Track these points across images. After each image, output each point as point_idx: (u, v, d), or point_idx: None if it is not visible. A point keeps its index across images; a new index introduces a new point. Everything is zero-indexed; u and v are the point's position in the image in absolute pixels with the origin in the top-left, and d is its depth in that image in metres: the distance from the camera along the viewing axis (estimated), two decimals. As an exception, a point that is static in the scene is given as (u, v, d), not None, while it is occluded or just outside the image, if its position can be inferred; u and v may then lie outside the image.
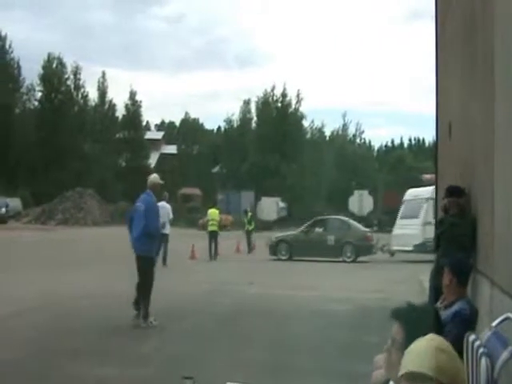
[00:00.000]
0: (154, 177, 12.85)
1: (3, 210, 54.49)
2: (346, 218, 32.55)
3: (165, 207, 22.49)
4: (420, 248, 27.31)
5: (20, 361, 8.83)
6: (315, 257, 28.07)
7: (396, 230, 30.74)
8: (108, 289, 16.61)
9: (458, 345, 3.70)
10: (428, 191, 27.26)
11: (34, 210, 61.24)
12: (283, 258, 28.92)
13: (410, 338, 2.97)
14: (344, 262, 27.96)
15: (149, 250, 11.94)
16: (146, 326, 11.50)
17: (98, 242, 36.49)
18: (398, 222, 31.13)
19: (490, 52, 6.76)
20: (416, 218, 28.98)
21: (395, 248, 30.05)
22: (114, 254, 27.75)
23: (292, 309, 14.35)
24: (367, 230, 31.28)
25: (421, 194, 29.55)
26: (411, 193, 31.47)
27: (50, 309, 13.60)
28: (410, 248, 28.15)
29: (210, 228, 28.11)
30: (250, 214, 35.14)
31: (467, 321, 5.19)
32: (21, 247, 31.33)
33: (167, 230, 22.73)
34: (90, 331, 11.17)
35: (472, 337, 3.94)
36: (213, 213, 28.94)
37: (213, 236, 28.02)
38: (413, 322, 3.01)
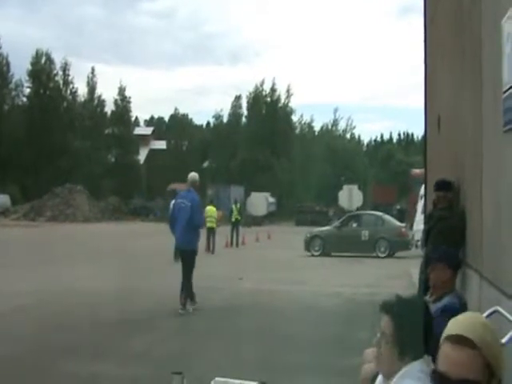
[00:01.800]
0: (194, 175, 13.71)
1: (-8, 206, 54.39)
2: (380, 213, 31.93)
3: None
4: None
5: (15, 357, 8.83)
6: (349, 252, 28.09)
7: (419, 225, 30.72)
8: (100, 285, 16.57)
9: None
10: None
11: (22, 206, 61.05)
12: (316, 253, 28.68)
13: (399, 331, 2.99)
14: (378, 257, 27.83)
15: (194, 243, 13.12)
16: (186, 311, 12.71)
17: (88, 239, 36.39)
18: (419, 217, 31.14)
19: (478, 46, 6.79)
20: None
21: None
22: (104, 251, 27.81)
23: (284, 304, 14.37)
24: (402, 225, 30.60)
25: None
26: None
27: (42, 305, 13.57)
28: None
29: (208, 225, 27.99)
30: (238, 204, 35.34)
31: (457, 314, 5.19)
32: (9, 244, 31.18)
33: None
34: (82, 328, 11.17)
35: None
36: (210, 210, 29.20)
37: (210, 232, 28.50)
38: (402, 315, 3.01)
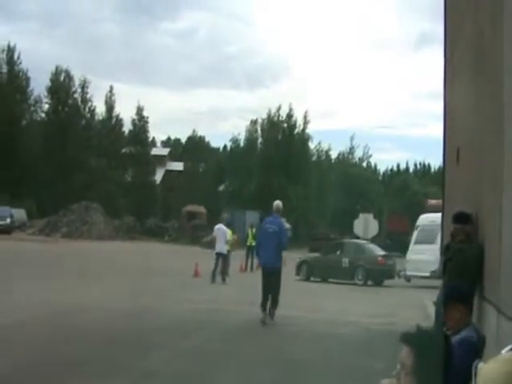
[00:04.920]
0: (278, 203, 15.73)
1: (8, 220, 54.48)
2: (363, 242, 32.88)
3: (222, 229, 26.44)
4: (435, 274, 27.22)
5: (27, 369, 8.81)
6: (331, 278, 28.85)
7: (411, 256, 30.61)
8: (110, 301, 16.59)
9: (466, 372, 3.68)
10: (421, 220, 29.34)
11: (38, 221, 61.26)
12: (303, 278, 29.69)
13: (419, 362, 2.95)
14: (356, 284, 28.31)
15: (280, 264, 15.01)
16: (272, 323, 14.52)
17: (102, 256, 36.45)
18: (413, 247, 31.04)
19: (500, 76, 6.77)
20: (432, 243, 28.83)
21: (410, 273, 30.12)
22: (118, 268, 27.88)
23: (299, 330, 14.32)
24: (381, 254, 30.69)
25: (436, 220, 29.56)
26: (426, 218, 31.28)
27: (52, 319, 13.58)
28: (427, 274, 27.97)
29: None
30: (254, 229, 35.30)
31: (475, 348, 5.14)
32: (25, 257, 31.29)
33: (225, 250, 25.92)
34: (93, 343, 11.15)
35: (481, 364, 3.91)
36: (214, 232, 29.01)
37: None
38: (422, 345, 2.98)
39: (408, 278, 30.23)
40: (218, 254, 25.70)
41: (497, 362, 2.36)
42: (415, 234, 31.42)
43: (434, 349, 2.97)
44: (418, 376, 2.96)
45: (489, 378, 2.29)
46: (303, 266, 30.34)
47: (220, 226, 26.87)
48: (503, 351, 4.11)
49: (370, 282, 28.69)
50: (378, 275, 28.66)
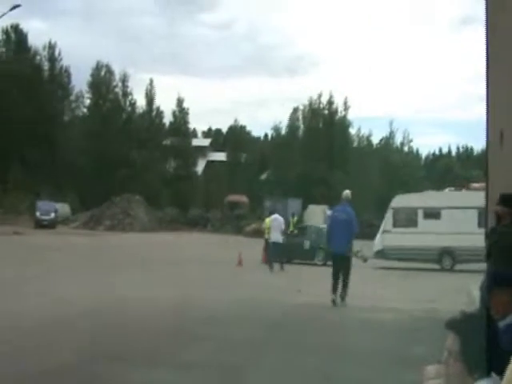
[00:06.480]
0: (347, 192, 16.35)
1: (52, 214, 55.19)
2: (323, 226, 33.14)
3: (278, 219, 27.52)
4: (380, 255, 30.08)
5: (70, 364, 8.89)
6: (294, 259, 30.56)
7: (389, 241, 30.95)
8: (155, 291, 16.71)
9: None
10: (396, 202, 30.66)
11: (82, 215, 61.98)
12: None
13: (467, 349, 2.93)
14: (316, 264, 30.28)
15: (350, 250, 16.17)
16: (343, 305, 15.46)
17: (145, 248, 36.76)
18: (391, 230, 31.44)
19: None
20: (414, 226, 30.40)
21: (389, 256, 31.09)
22: (162, 260, 28.12)
23: (340, 317, 14.31)
24: None
25: (413, 202, 31.26)
26: (402, 199, 32.66)
27: (103, 312, 13.64)
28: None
29: (267, 236, 28.64)
30: (296, 217, 35.86)
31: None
32: (70, 251, 31.69)
33: (280, 239, 27.00)
34: (136, 335, 11.23)
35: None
36: (270, 222, 29.11)
37: (268, 244, 28.66)
38: (469, 331, 2.96)
39: (365, 259, 31.00)
40: (275, 244, 26.67)
41: None
42: (389, 216, 31.26)
43: (481, 334, 2.94)
44: (467, 362, 2.93)
45: None
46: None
47: (276, 216, 27.82)
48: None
49: (320, 263, 30.40)
50: None
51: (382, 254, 29.57)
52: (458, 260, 28.80)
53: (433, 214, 28.32)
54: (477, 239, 26.94)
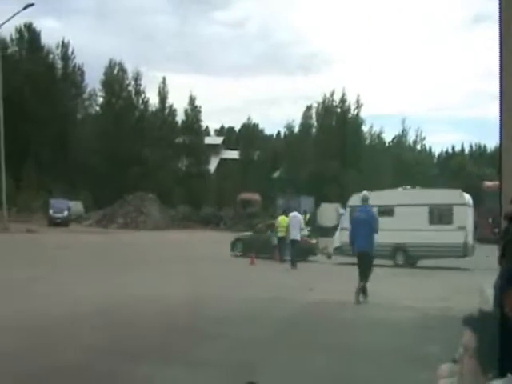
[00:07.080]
0: (366, 194, 17.19)
1: (65, 213, 55.39)
2: None
3: (297, 217, 27.77)
4: (338, 251, 29.83)
5: (86, 361, 8.93)
6: (262, 254, 30.16)
7: (340, 237, 31.01)
8: (170, 289, 16.75)
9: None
10: (353, 200, 29.37)
11: (95, 213, 62.20)
12: (238, 254, 31.84)
13: (483, 346, 2.92)
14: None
15: (372, 249, 16.41)
16: (365, 301, 15.98)
17: (158, 246, 36.86)
18: (343, 224, 31.54)
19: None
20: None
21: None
22: (176, 256, 28.22)
23: (353, 316, 14.29)
24: (306, 234, 31.97)
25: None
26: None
27: (115, 310, 13.73)
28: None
29: (279, 234, 28.84)
30: (308, 215, 35.79)
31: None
32: (82, 249, 31.83)
33: (299, 236, 27.13)
34: (151, 333, 11.27)
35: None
36: (282, 220, 29.24)
37: (280, 242, 28.97)
38: (486, 329, 2.95)
39: (329, 255, 31.81)
40: (293, 241, 26.82)
41: None
42: (346, 214, 31.01)
43: (497, 332, 2.93)
44: (482, 360, 2.92)
45: None
46: (237, 244, 32.92)
47: (295, 214, 28.03)
48: None
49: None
50: (303, 252, 29.33)
51: (340, 250, 29.53)
52: (411, 256, 28.92)
53: (386, 211, 28.21)
54: (428, 236, 27.55)
